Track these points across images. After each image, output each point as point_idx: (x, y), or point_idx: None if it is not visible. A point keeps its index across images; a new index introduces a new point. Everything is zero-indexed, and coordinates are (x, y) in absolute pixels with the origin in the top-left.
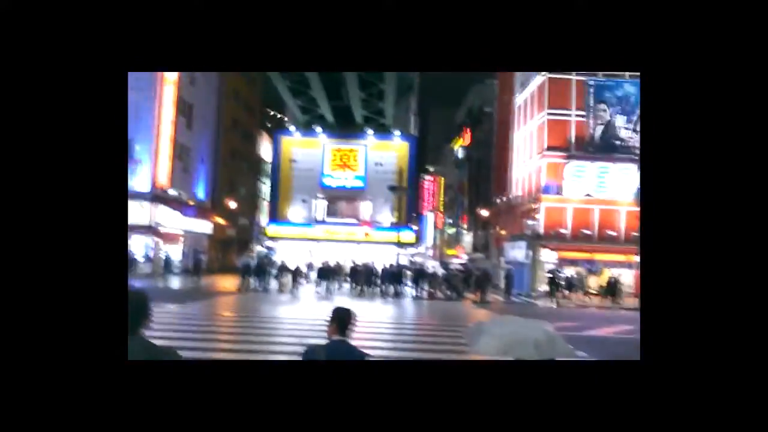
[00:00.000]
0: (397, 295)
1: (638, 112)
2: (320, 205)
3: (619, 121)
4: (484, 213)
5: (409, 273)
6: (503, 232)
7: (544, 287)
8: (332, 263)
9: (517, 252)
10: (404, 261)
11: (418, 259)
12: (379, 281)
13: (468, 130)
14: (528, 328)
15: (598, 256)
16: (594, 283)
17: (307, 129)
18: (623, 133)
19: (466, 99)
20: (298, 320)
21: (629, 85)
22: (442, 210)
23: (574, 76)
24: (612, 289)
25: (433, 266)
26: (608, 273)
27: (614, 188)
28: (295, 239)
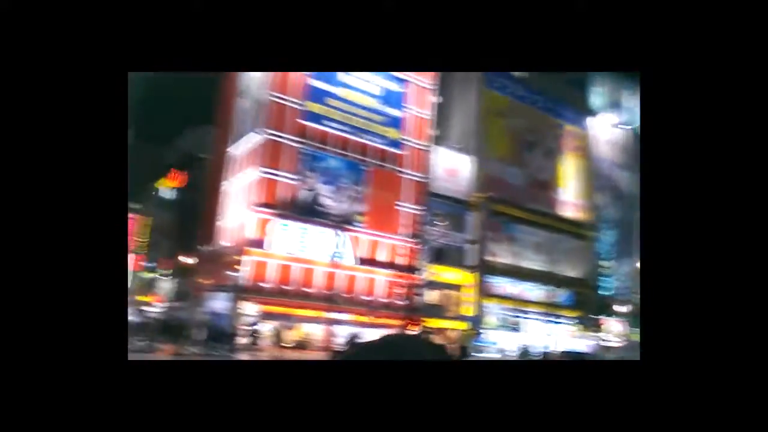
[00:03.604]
0: None
1: (340, 183)
2: None
3: (324, 189)
4: (188, 260)
5: None
6: (206, 282)
7: (242, 340)
8: None
9: (219, 303)
10: None
11: None
12: None
13: (178, 171)
14: None
15: (295, 311)
16: (289, 337)
17: None
18: (325, 201)
19: (177, 139)
20: None
21: (334, 161)
22: (142, 252)
23: (290, 143)
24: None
25: None
26: (302, 328)
27: (312, 249)
28: None
